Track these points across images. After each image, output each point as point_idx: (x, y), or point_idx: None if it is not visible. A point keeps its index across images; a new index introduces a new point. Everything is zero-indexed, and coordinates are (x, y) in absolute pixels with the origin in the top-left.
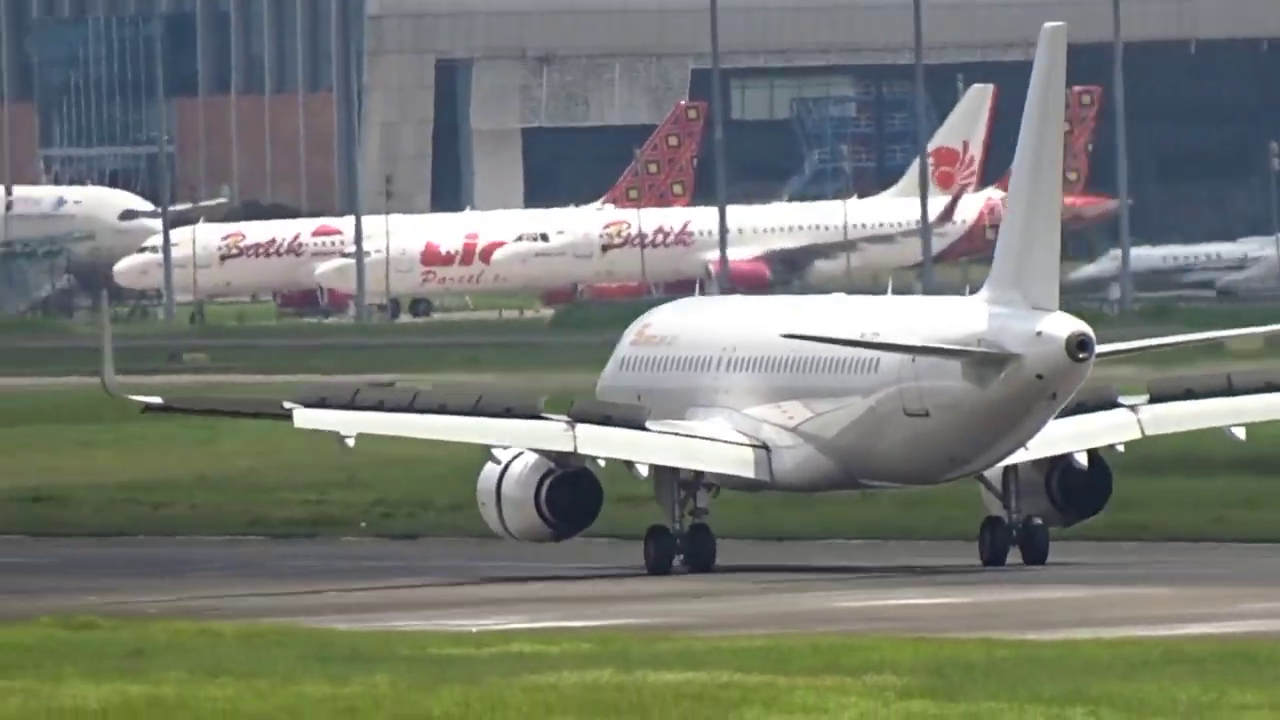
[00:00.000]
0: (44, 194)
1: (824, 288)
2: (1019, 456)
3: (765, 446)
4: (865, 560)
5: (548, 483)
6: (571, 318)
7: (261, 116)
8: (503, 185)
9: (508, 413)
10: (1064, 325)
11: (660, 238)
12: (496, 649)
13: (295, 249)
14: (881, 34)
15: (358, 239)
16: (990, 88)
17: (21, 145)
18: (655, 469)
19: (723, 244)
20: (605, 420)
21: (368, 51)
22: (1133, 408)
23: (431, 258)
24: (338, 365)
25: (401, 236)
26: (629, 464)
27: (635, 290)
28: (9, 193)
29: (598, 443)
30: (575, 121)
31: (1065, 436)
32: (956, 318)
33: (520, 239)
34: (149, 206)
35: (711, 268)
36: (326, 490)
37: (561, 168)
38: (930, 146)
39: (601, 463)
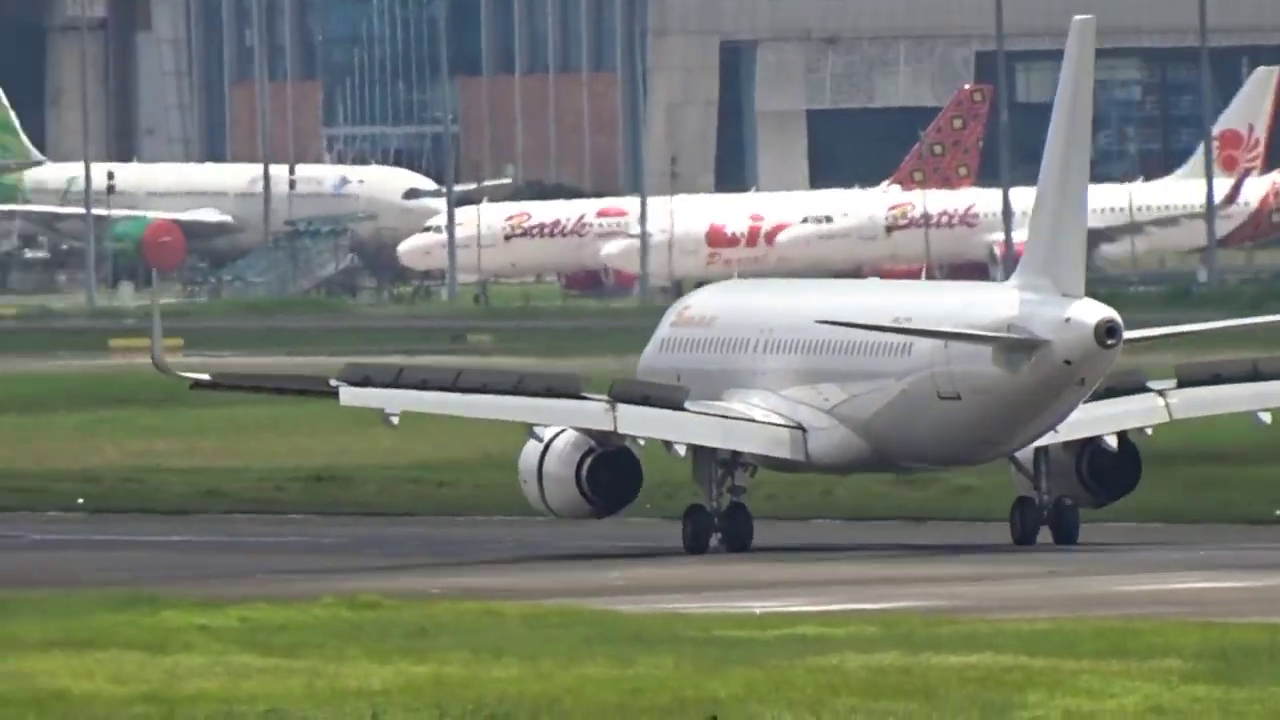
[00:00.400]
0: (328, 173)
1: (1108, 271)
2: (1049, 439)
3: (801, 427)
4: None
5: (588, 461)
6: None
7: (546, 96)
8: (787, 167)
9: (549, 392)
10: (1092, 312)
11: (945, 220)
12: (781, 631)
13: (580, 230)
14: (1167, 17)
15: (642, 220)
16: (1276, 70)
17: (306, 124)
18: (693, 448)
19: (1007, 226)
20: (645, 400)
21: (652, 32)
22: (1161, 392)
23: (716, 239)
24: (621, 347)
25: (686, 218)
26: (667, 443)
27: (919, 272)
28: (293, 172)
29: (637, 422)
30: (859, 103)
31: (1094, 419)
32: (988, 304)
33: (805, 221)
34: (433, 186)
35: (996, 250)
36: None
37: (845, 149)
38: (1215, 130)
39: (641, 442)
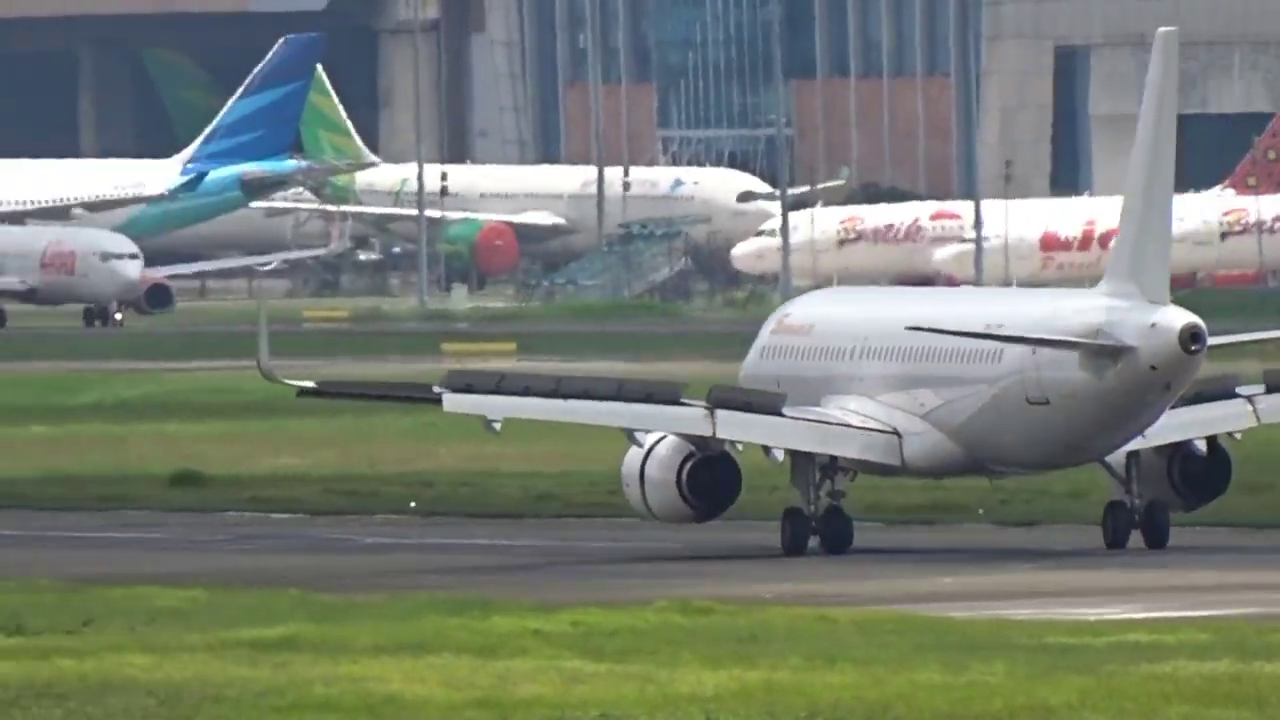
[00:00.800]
0: (662, 175)
1: None
2: (1140, 443)
3: (896, 432)
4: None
5: (689, 465)
6: (1190, 305)
7: (880, 100)
8: (1121, 171)
9: (649, 398)
10: (1177, 318)
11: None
12: (1113, 638)
13: (913, 234)
14: None
15: (977, 225)
16: None
17: (640, 126)
18: (791, 453)
19: None
20: (744, 406)
21: (986, 36)
22: (1249, 398)
23: (1050, 243)
24: None
25: (1020, 222)
26: (765, 448)
27: (1252, 279)
28: (627, 174)
29: (736, 427)
30: (1193, 108)
31: (1184, 424)
32: (1076, 311)
33: None
34: (766, 189)
35: None
36: None
37: (1178, 154)
38: None
39: (740, 447)
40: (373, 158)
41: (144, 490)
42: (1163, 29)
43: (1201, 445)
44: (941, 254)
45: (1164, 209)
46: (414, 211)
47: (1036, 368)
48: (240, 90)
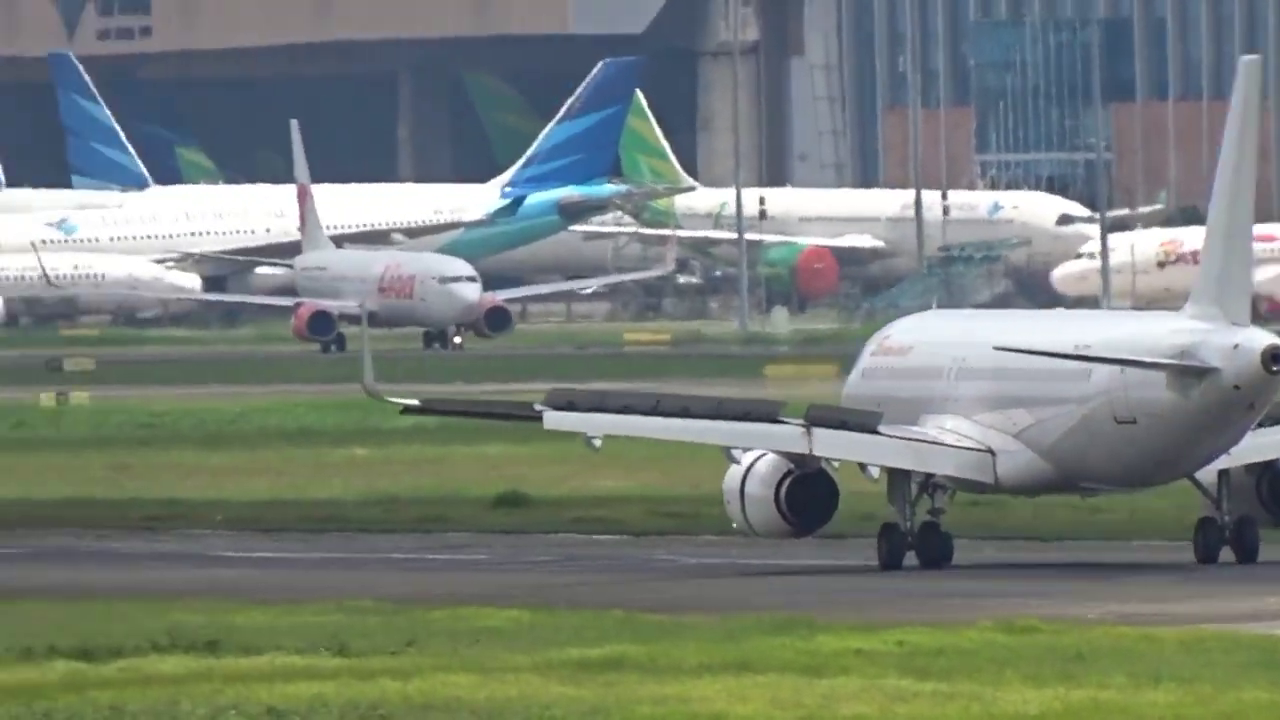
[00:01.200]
0: (980, 199)
1: None
2: (1229, 461)
3: (990, 451)
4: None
5: (787, 482)
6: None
7: (1199, 122)
8: None
9: (747, 416)
10: (1259, 339)
11: None
12: None
13: None
14: None
15: None
16: None
17: (958, 150)
18: (887, 470)
19: None
20: (840, 424)
21: None
22: None
23: None
24: None
25: None
26: (862, 465)
27: None
28: (945, 197)
29: (832, 445)
30: None
31: (1273, 443)
32: (1162, 332)
33: None
34: (1085, 212)
35: None
36: None
37: None
38: None
39: (836, 464)
40: (691, 181)
41: (466, 512)
42: (1246, 57)
43: None
44: (1262, 275)
45: (1245, 234)
46: (733, 235)
47: (1125, 388)
48: (559, 114)
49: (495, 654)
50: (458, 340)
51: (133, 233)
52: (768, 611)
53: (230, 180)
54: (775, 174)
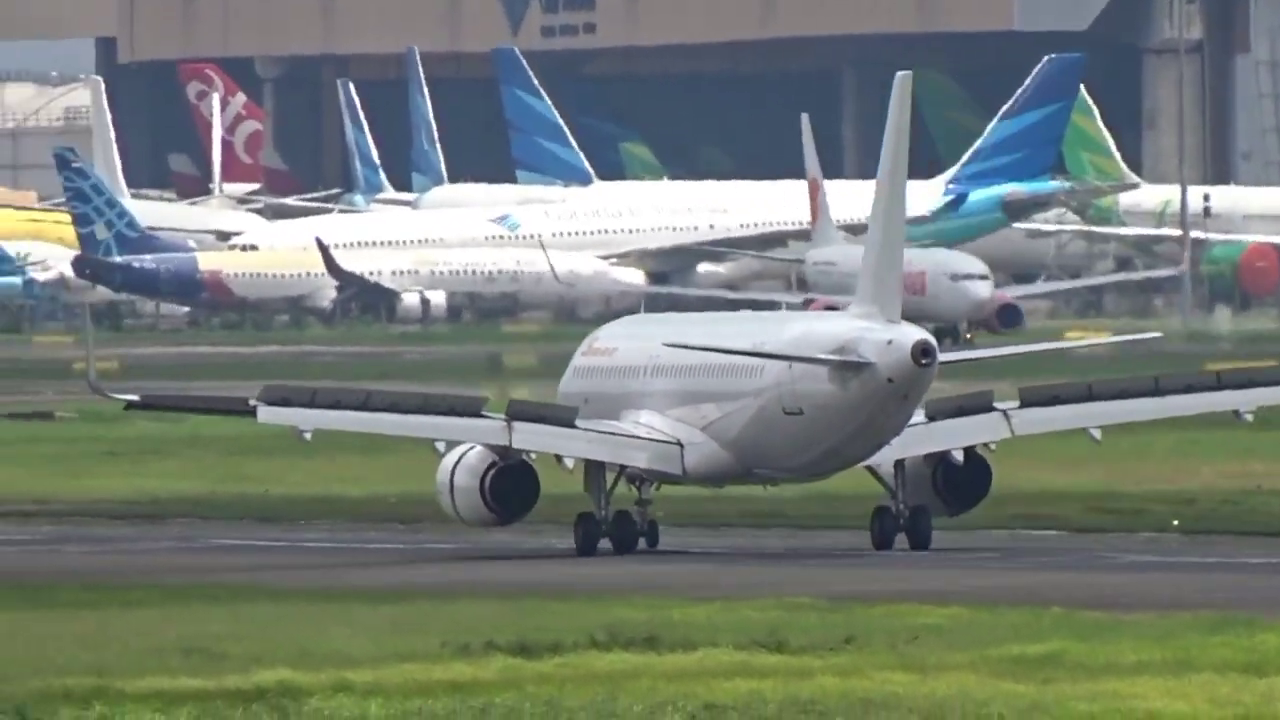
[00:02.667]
0: None
1: None
2: (905, 452)
3: (679, 443)
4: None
5: (491, 474)
6: None
7: None
8: None
9: (451, 411)
10: (910, 336)
11: None
12: None
13: None
14: None
15: None
16: None
17: None
18: (583, 461)
19: None
20: (539, 419)
21: None
22: (1005, 412)
23: None
24: None
25: None
26: (558, 457)
27: None
28: None
29: (531, 438)
30: None
31: (944, 435)
32: (826, 330)
33: None
34: None
35: None
36: None
37: None
38: None
39: (534, 455)
40: (1135, 179)
41: None
42: (901, 73)
43: (959, 455)
44: None
45: (898, 240)
46: (1176, 233)
47: (792, 381)
48: (1003, 110)
49: (933, 651)
50: (968, 336)
51: (576, 228)
52: (1206, 610)
53: (674, 176)
54: (1219, 172)
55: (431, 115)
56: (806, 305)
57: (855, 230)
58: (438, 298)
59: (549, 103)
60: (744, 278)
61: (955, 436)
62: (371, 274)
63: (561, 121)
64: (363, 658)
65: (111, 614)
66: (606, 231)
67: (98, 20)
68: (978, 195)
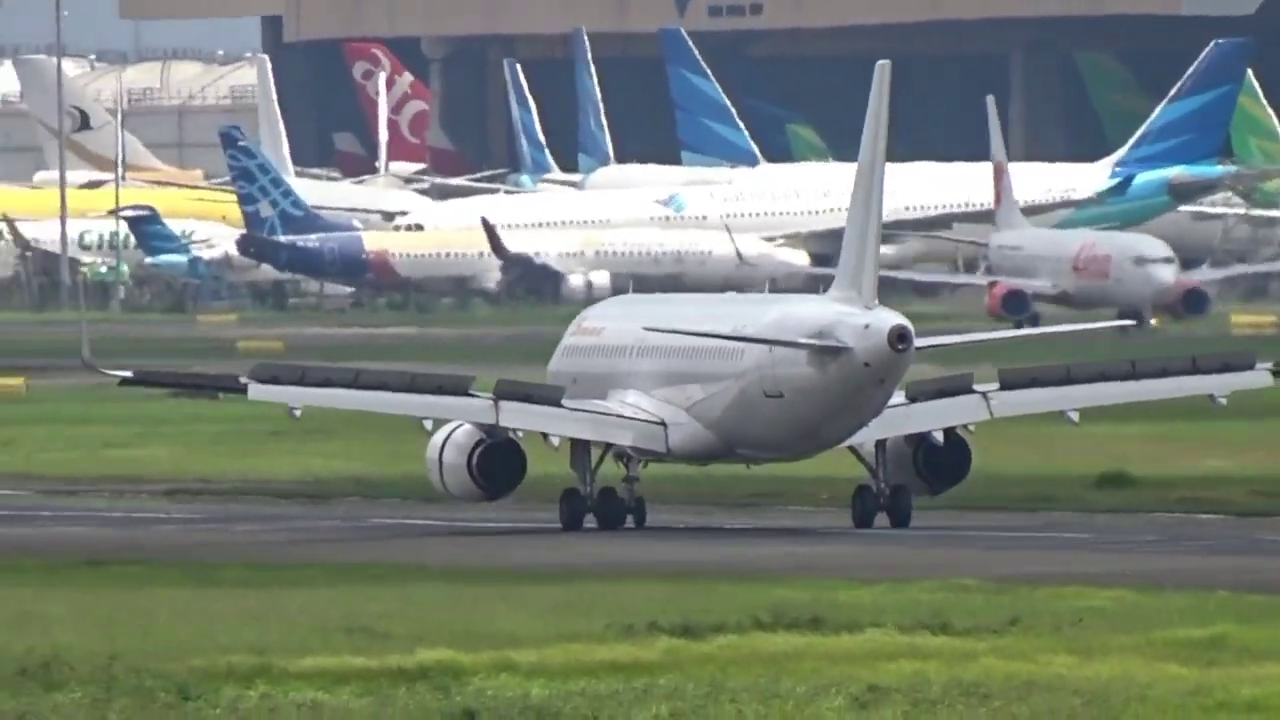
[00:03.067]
0: None
1: None
2: (886, 432)
3: (663, 423)
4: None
5: (479, 450)
6: None
7: None
8: None
9: (440, 390)
10: (887, 320)
11: None
12: None
13: None
14: None
15: None
16: None
17: None
18: (569, 440)
19: None
20: (526, 397)
21: None
22: (984, 394)
23: None
24: None
25: None
26: (545, 435)
27: None
28: None
29: (518, 416)
30: None
31: (925, 416)
32: (805, 314)
33: None
34: None
35: None
36: None
37: None
38: None
39: (520, 433)
40: None
41: (1070, 491)
42: (881, 61)
43: (939, 436)
44: None
45: (876, 227)
46: None
47: (772, 365)
48: (1170, 94)
49: (1098, 634)
50: (1153, 322)
51: (742, 209)
52: None
53: (839, 158)
54: None
55: (598, 95)
56: (991, 288)
57: (1028, 213)
58: (602, 279)
59: (715, 84)
60: (910, 259)
61: (935, 418)
62: (537, 255)
63: (728, 102)
64: (526, 638)
65: (276, 593)
66: (772, 213)
67: None
68: (1144, 178)
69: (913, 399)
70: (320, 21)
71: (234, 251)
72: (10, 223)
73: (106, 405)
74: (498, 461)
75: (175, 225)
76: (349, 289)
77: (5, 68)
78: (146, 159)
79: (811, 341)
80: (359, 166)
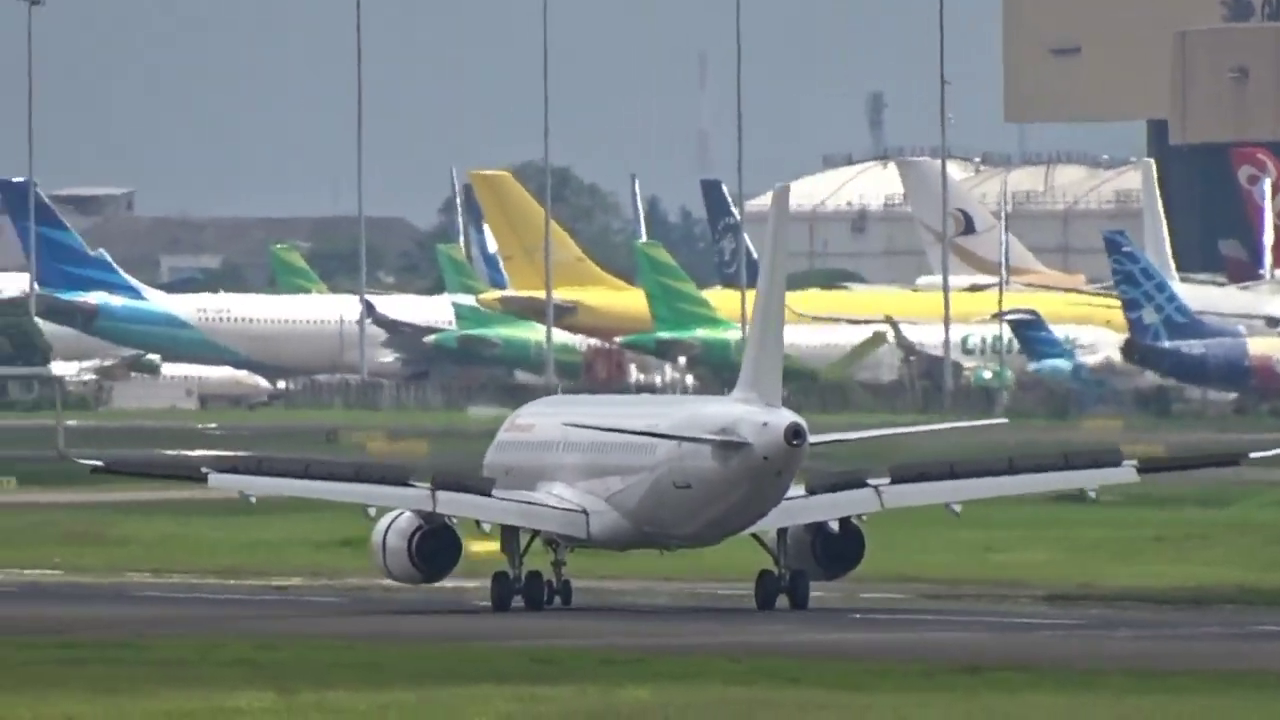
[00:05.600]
0: None
1: None
2: (786, 521)
3: (584, 511)
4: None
5: (418, 535)
6: None
7: None
8: None
9: (383, 479)
10: (783, 419)
11: None
12: None
13: None
14: None
15: None
16: None
17: None
18: (499, 526)
19: None
20: (461, 488)
21: None
22: (876, 487)
23: None
24: None
25: None
26: (477, 521)
27: None
28: None
29: (453, 504)
30: None
31: (822, 506)
32: (711, 413)
33: None
34: None
35: None
36: None
37: None
38: None
39: (455, 520)
40: None
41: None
42: (779, 184)
43: (835, 525)
44: None
45: (778, 334)
46: None
47: (681, 458)
48: None
49: None
50: None
51: None
52: None
53: None
54: None
55: None
56: None
57: None
58: None
59: None
60: None
61: (831, 509)
62: None
63: None
64: None
65: (1159, 699)
66: None
67: (1150, 102)
68: None
69: (812, 491)
70: (1207, 125)
71: (1117, 357)
72: (894, 325)
73: (990, 509)
74: (435, 546)
75: (1058, 330)
76: (1232, 396)
77: (889, 170)
78: (1029, 262)
79: (714, 437)
80: (1244, 272)
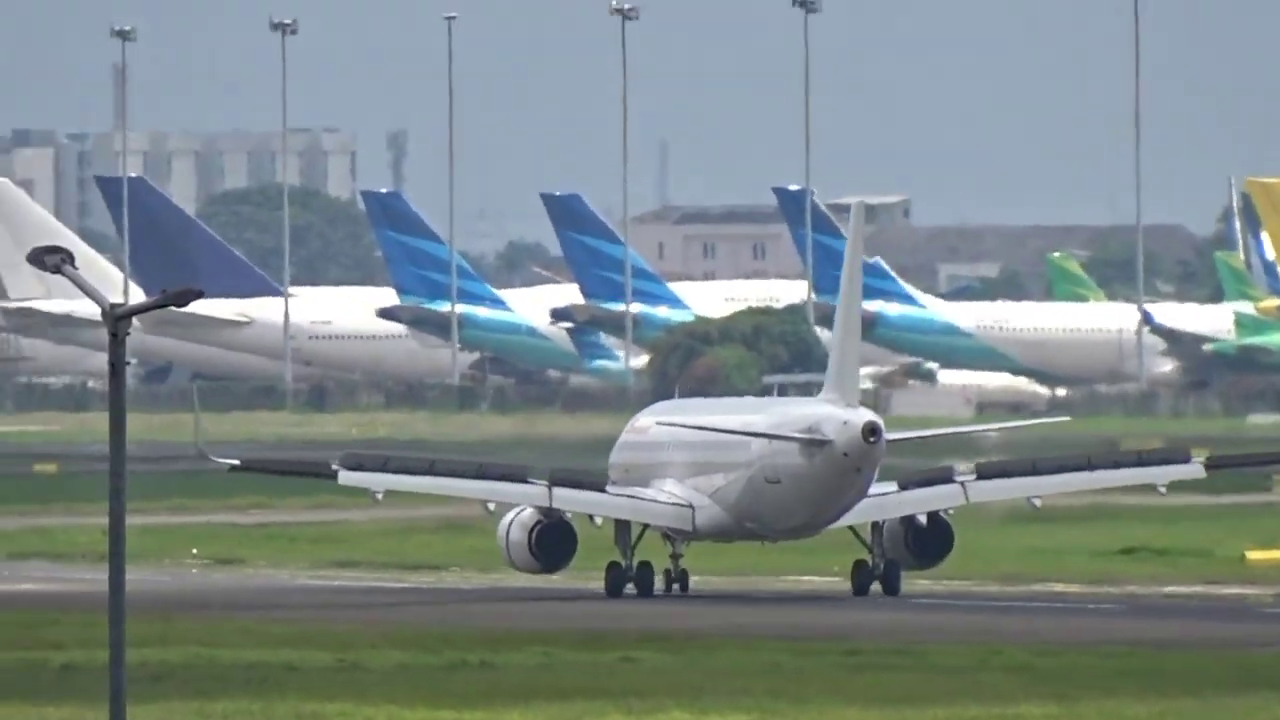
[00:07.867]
0: None
1: None
2: (880, 515)
3: (691, 506)
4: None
5: (537, 529)
6: None
7: None
8: None
9: (503, 477)
10: (862, 417)
11: None
12: None
13: None
14: None
15: None
16: None
17: None
18: (612, 520)
19: None
20: (575, 484)
21: None
22: (963, 483)
23: None
24: None
25: None
26: (590, 516)
27: None
28: None
29: (568, 500)
30: None
31: (911, 501)
32: (798, 414)
33: None
34: None
35: None
36: None
37: None
38: None
39: (570, 514)
40: None
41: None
42: (856, 200)
43: (923, 518)
44: None
45: (855, 342)
46: None
47: (772, 455)
48: None
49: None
50: None
51: None
52: None
53: None
54: None
55: None
56: None
57: None
58: None
59: None
60: None
61: (921, 503)
62: None
63: None
64: None
65: None
66: None
67: None
68: None
69: (903, 487)
70: None
71: None
72: None
73: None
74: (554, 539)
75: None
76: None
77: None
78: None
79: (799, 435)
80: None
